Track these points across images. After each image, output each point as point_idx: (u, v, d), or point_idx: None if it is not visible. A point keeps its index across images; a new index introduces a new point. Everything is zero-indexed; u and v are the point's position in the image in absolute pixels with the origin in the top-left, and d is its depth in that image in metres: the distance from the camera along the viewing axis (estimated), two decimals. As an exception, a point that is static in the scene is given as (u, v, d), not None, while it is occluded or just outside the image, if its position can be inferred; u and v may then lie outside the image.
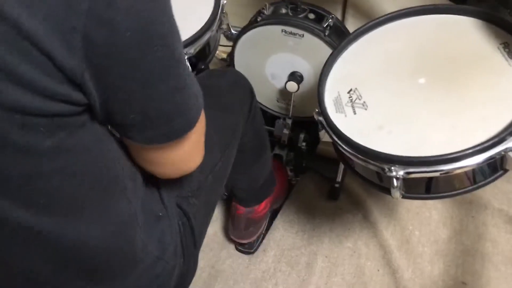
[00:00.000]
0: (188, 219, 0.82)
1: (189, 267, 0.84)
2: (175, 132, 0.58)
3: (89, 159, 0.57)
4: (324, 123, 0.85)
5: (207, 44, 1.10)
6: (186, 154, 0.65)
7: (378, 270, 1.28)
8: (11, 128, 0.46)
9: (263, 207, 1.30)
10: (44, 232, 0.58)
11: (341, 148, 0.84)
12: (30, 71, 0.43)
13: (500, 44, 0.83)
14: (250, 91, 1.06)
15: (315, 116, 0.88)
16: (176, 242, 0.78)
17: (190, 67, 0.58)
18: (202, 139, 0.68)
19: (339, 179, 1.40)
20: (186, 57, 0.59)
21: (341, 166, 1.34)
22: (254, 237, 1.33)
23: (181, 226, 0.80)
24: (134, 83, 0.50)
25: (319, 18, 1.19)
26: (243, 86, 1.05)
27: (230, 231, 1.34)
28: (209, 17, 1.07)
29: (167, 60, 0.51)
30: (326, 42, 1.16)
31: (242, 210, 1.28)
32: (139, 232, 0.71)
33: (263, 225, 1.36)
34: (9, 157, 0.49)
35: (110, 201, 0.64)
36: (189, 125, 0.59)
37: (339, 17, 1.46)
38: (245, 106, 1.02)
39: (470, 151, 0.71)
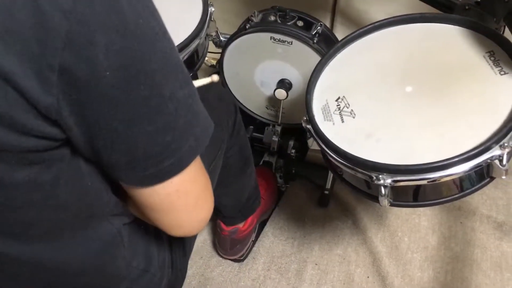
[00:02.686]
0: None
1: (178, 276, 0.84)
2: (165, 172, 0.53)
3: (69, 192, 0.54)
4: (312, 131, 0.85)
5: (195, 51, 1.10)
6: (186, 201, 0.59)
7: (368, 277, 1.28)
8: None
9: (247, 225, 1.29)
10: (23, 258, 0.57)
11: (329, 156, 0.84)
12: (3, 106, 0.41)
13: (486, 52, 0.83)
14: (234, 106, 1.06)
15: (303, 124, 0.88)
16: (164, 254, 0.78)
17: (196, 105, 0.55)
18: (207, 186, 0.62)
19: (328, 186, 1.41)
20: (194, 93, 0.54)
21: (331, 173, 1.35)
22: (241, 253, 1.34)
23: (171, 237, 0.80)
24: (117, 122, 0.46)
25: (308, 26, 1.19)
26: (228, 101, 1.05)
27: (218, 249, 1.35)
28: (197, 25, 1.07)
29: (154, 99, 0.47)
30: (314, 49, 1.16)
31: (226, 231, 1.27)
32: (122, 250, 0.70)
33: (250, 240, 1.36)
34: None
35: (92, 225, 0.63)
36: (181, 166, 0.54)
37: (328, 24, 1.47)
38: (230, 120, 1.02)
39: (457, 159, 0.71)
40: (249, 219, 1.30)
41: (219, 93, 1.05)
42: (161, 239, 0.78)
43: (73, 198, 0.56)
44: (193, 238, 0.90)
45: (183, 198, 0.58)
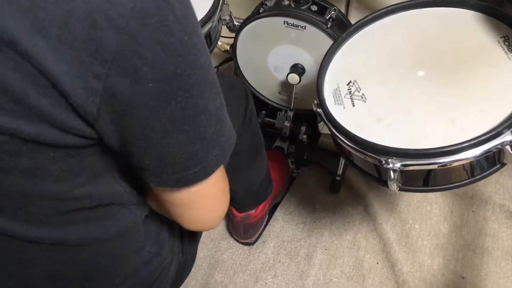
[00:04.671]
0: None
1: (187, 260, 0.85)
2: (189, 178, 0.56)
3: (93, 182, 0.58)
4: (323, 114, 0.86)
5: (208, 35, 1.10)
6: (204, 203, 0.63)
7: (377, 263, 1.28)
8: (21, 153, 0.48)
9: (259, 211, 1.30)
10: (39, 241, 0.60)
11: (339, 140, 0.84)
12: (48, 106, 0.44)
13: (501, 37, 0.82)
14: (245, 93, 1.06)
15: (314, 108, 0.88)
16: (174, 238, 0.79)
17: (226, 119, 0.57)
18: (225, 189, 0.66)
19: (340, 172, 1.41)
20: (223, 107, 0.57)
21: (342, 159, 1.35)
22: (256, 236, 1.35)
23: None
24: (153, 131, 0.49)
25: (322, 10, 1.18)
26: (238, 89, 1.05)
27: (232, 233, 1.37)
28: (210, 8, 1.07)
29: (189, 111, 0.50)
30: (328, 34, 1.16)
31: (238, 217, 1.29)
32: (138, 236, 0.72)
33: (263, 223, 1.37)
34: (16, 179, 0.51)
35: (112, 213, 0.65)
36: (206, 174, 0.57)
37: (343, 9, 1.45)
38: (241, 108, 1.02)
39: (467, 144, 0.71)
40: (261, 205, 1.31)
41: (230, 81, 1.05)
42: (172, 225, 0.79)
43: (98, 189, 0.59)
44: None
45: (203, 198, 0.61)
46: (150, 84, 0.45)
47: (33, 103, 0.44)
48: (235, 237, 1.37)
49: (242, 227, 1.30)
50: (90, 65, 0.43)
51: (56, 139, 0.47)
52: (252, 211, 1.29)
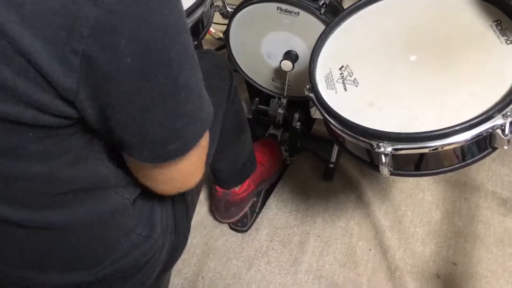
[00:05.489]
0: (182, 194, 0.82)
1: (180, 241, 0.85)
2: (170, 155, 0.57)
3: (77, 164, 0.57)
4: (315, 99, 0.85)
5: (200, 20, 1.09)
6: (183, 173, 0.63)
7: (370, 250, 1.29)
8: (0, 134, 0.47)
9: (243, 190, 1.30)
10: (27, 224, 0.59)
11: (331, 125, 0.84)
12: (23, 85, 0.43)
13: (493, 21, 0.82)
14: (229, 73, 1.06)
15: (306, 92, 0.88)
16: (167, 219, 0.79)
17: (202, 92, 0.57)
18: (203, 159, 0.65)
19: (333, 159, 1.41)
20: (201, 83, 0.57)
21: (336, 147, 1.35)
22: (237, 217, 1.34)
23: (175, 201, 0.81)
24: (132, 107, 0.49)
25: (315, -4, 1.18)
26: (224, 68, 1.04)
27: (214, 212, 1.36)
28: (202, -7, 1.06)
29: (169, 86, 0.50)
30: (321, 20, 1.15)
31: (220, 192, 1.28)
32: (128, 219, 0.72)
33: (246, 206, 1.36)
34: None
35: (99, 195, 0.65)
36: (186, 149, 0.57)
37: (337, -4, 1.45)
38: (226, 87, 1.02)
39: (458, 128, 0.70)
40: (244, 184, 1.30)
41: (215, 60, 1.05)
42: (165, 206, 0.79)
43: (81, 170, 0.58)
44: (195, 202, 0.92)
45: (182, 171, 0.62)
46: (129, 59, 0.45)
47: (8, 83, 0.43)
48: (217, 216, 1.36)
49: (224, 204, 1.30)
50: (67, 40, 0.42)
51: (33, 119, 0.46)
52: (236, 188, 1.29)
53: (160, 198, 0.77)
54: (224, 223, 1.37)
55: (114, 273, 0.73)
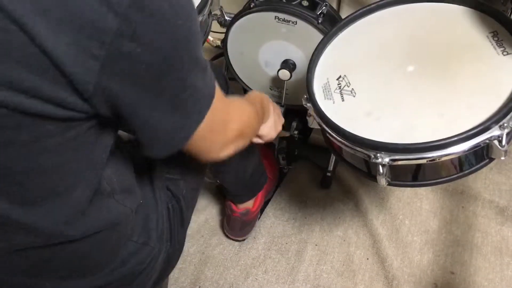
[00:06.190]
0: (177, 201, 0.84)
1: (175, 249, 0.85)
2: (176, 145, 0.61)
3: (85, 160, 0.59)
4: (312, 109, 0.85)
5: (199, 29, 1.10)
6: (220, 121, 0.66)
7: (367, 259, 1.28)
8: (22, 126, 0.49)
9: (257, 206, 1.31)
10: (22, 221, 0.59)
11: (328, 135, 0.84)
12: (39, 81, 0.46)
13: (489, 33, 0.83)
14: (225, 82, 1.06)
15: (304, 102, 0.88)
16: (162, 227, 0.79)
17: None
18: (225, 108, 0.68)
19: (331, 167, 1.41)
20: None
21: (333, 155, 1.35)
22: (249, 234, 1.35)
23: (170, 208, 0.82)
24: (144, 108, 0.54)
25: (313, 6, 1.18)
26: (219, 77, 1.05)
27: (226, 230, 1.36)
28: (200, 1, 1.07)
29: (178, 89, 0.55)
30: (319, 29, 1.15)
31: (237, 213, 1.29)
32: (128, 228, 0.73)
33: (256, 220, 1.37)
34: (16, 152, 0.51)
35: (101, 203, 0.66)
36: (187, 137, 0.60)
37: (335, 5, 1.45)
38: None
39: (455, 138, 0.71)
40: (258, 199, 1.31)
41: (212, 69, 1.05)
42: (160, 213, 0.79)
43: (87, 166, 0.60)
44: (190, 210, 0.92)
45: (198, 146, 0.65)
46: (144, 66, 0.49)
47: (33, 83, 0.46)
48: (230, 235, 1.35)
49: (240, 224, 1.30)
50: (89, 46, 0.45)
51: (51, 113, 0.49)
52: (251, 206, 1.29)
53: (155, 205, 0.77)
54: (238, 241, 1.37)
55: (110, 282, 0.73)
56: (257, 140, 0.96)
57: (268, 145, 1.45)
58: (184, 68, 0.53)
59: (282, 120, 1.03)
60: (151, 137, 0.59)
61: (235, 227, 1.32)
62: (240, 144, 0.74)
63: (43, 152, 0.53)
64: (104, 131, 0.59)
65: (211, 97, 0.61)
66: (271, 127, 0.96)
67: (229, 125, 0.69)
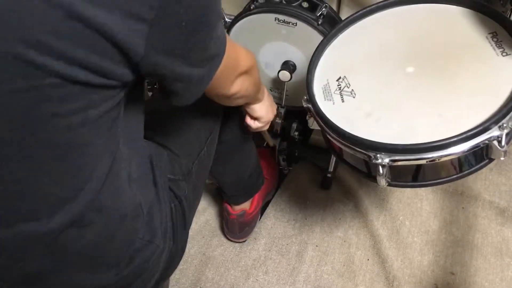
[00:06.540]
0: (179, 201, 0.84)
1: (178, 250, 0.85)
2: (204, 87, 0.68)
3: (109, 135, 0.62)
4: (312, 110, 0.86)
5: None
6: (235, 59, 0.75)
7: (368, 260, 1.29)
8: (69, 98, 0.52)
9: (254, 207, 1.32)
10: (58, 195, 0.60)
11: (328, 136, 0.84)
12: (99, 56, 0.50)
13: (489, 33, 0.83)
14: None
15: (304, 103, 0.88)
16: (166, 226, 0.80)
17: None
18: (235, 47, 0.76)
19: (331, 169, 1.41)
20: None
21: (334, 156, 1.35)
22: (250, 235, 1.36)
23: (173, 208, 0.83)
24: (178, 59, 0.59)
25: (313, 7, 1.18)
26: None
27: (226, 232, 1.37)
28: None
29: (207, 41, 0.62)
30: (319, 31, 1.15)
31: (234, 215, 1.29)
32: (141, 220, 0.73)
33: (257, 221, 1.38)
34: (60, 125, 0.53)
35: (119, 188, 0.67)
36: (208, 80, 0.67)
37: (334, 7, 1.45)
38: None
39: (455, 139, 0.71)
40: (255, 200, 1.32)
41: None
42: (164, 211, 0.80)
43: (109, 142, 0.63)
44: (193, 210, 0.92)
45: (214, 83, 0.70)
46: (184, 23, 0.55)
47: (84, 54, 0.49)
48: (230, 237, 1.36)
49: (238, 225, 1.30)
50: (138, 12, 0.50)
51: (98, 82, 0.52)
52: (247, 208, 1.29)
53: (158, 203, 0.78)
54: (238, 242, 1.37)
55: (116, 281, 0.73)
56: (256, 125, 1.03)
57: (269, 146, 1.45)
58: (213, 21, 0.60)
59: (275, 106, 1.09)
60: (183, 87, 0.64)
61: (234, 229, 1.32)
62: (246, 82, 0.82)
63: (85, 124, 0.55)
64: (128, 107, 0.65)
65: (226, 39, 0.68)
66: (268, 107, 1.03)
67: (239, 62, 0.77)
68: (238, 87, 0.80)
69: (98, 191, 0.63)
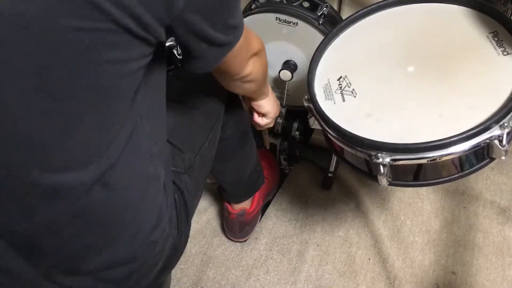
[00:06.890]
0: (182, 194, 0.85)
1: (181, 240, 0.86)
2: (223, 55, 0.70)
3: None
4: (313, 109, 0.86)
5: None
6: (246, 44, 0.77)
7: (369, 259, 1.29)
8: (119, 45, 0.54)
9: (254, 207, 1.32)
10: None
11: (329, 135, 0.84)
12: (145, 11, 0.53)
13: (490, 33, 0.83)
14: None
15: (305, 103, 0.88)
16: (171, 213, 0.80)
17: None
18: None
19: (332, 168, 1.41)
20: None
21: (335, 156, 1.35)
22: (250, 234, 1.36)
23: (176, 199, 0.83)
24: (205, 26, 0.62)
25: (314, 7, 1.18)
26: None
27: (227, 232, 1.37)
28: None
29: (232, 12, 0.65)
30: (320, 30, 1.16)
31: (234, 214, 1.29)
32: (160, 194, 0.75)
33: (257, 221, 1.38)
34: (109, 71, 0.55)
35: (142, 163, 0.70)
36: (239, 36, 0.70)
37: (335, 6, 1.46)
38: (225, 92, 1.02)
39: (456, 138, 0.71)
40: (255, 200, 1.32)
41: None
42: (170, 199, 0.80)
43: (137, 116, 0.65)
44: (194, 206, 0.93)
45: (229, 61, 0.74)
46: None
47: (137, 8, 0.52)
48: (230, 237, 1.36)
49: (238, 225, 1.30)
50: None
51: (140, 34, 0.55)
52: (247, 207, 1.30)
53: (164, 191, 0.78)
54: (239, 242, 1.37)
55: (126, 258, 0.73)
56: (264, 121, 1.06)
57: (270, 146, 1.46)
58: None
59: (278, 102, 1.10)
60: (207, 48, 0.67)
61: (234, 229, 1.32)
62: (257, 64, 0.84)
63: (123, 76, 0.57)
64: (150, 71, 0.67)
65: (242, 16, 0.71)
66: (274, 102, 1.06)
67: (252, 43, 0.79)
68: (251, 67, 0.82)
69: (120, 153, 0.63)
